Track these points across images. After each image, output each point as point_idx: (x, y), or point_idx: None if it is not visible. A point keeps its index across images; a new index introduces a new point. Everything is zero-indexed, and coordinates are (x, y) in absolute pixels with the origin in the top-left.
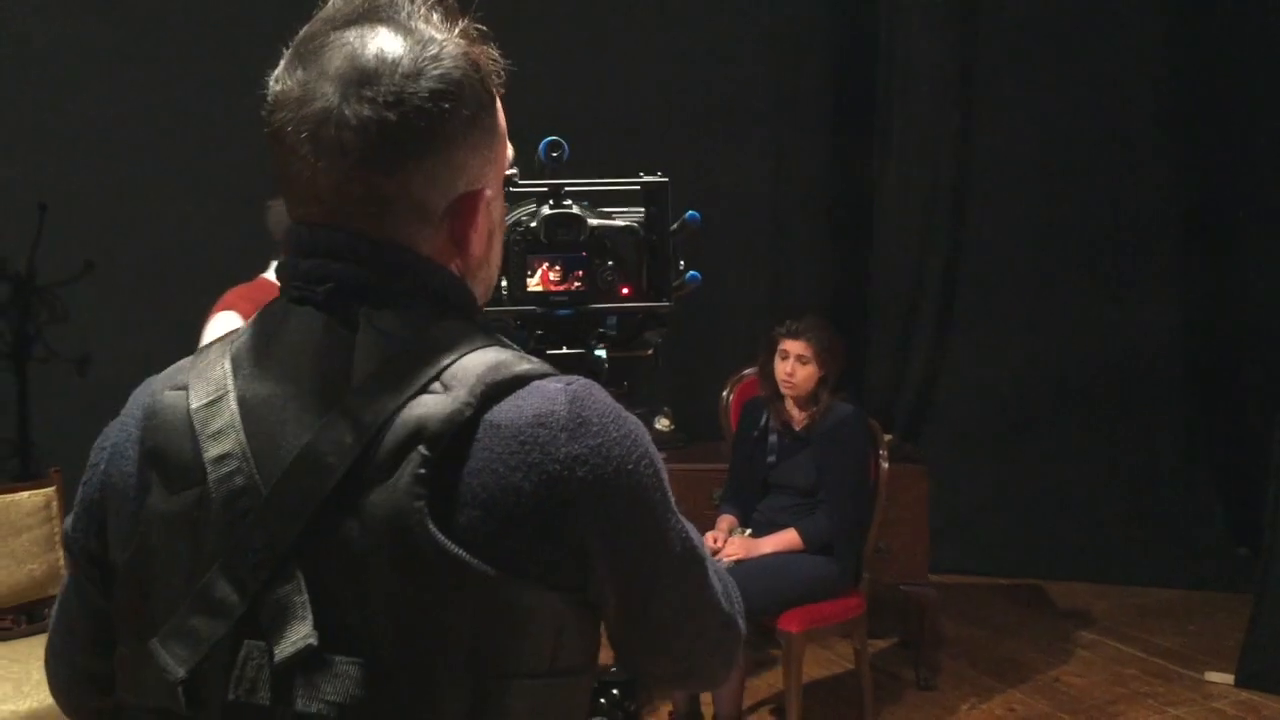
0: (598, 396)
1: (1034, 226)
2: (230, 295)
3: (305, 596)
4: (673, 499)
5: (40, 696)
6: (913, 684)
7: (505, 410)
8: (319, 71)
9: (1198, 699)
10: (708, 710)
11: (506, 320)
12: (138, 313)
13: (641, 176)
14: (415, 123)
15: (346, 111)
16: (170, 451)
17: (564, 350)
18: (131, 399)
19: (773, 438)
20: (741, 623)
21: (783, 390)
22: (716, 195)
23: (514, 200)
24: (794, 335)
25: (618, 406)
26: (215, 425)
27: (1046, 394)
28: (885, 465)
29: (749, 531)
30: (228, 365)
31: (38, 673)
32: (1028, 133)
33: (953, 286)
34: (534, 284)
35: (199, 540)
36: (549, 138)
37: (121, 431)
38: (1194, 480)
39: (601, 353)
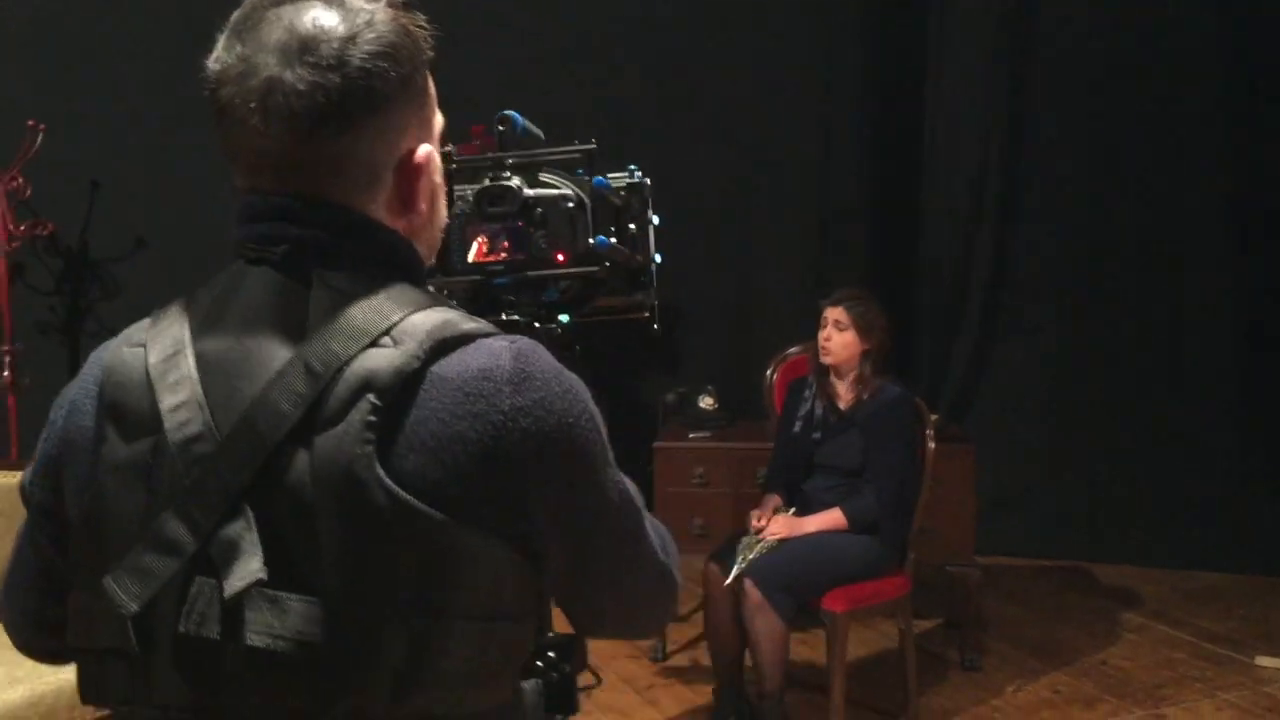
0: (541, 354)
1: (1086, 203)
2: None
3: (255, 535)
4: (611, 454)
5: (33, 684)
6: (957, 664)
7: (451, 364)
8: (258, 45)
9: (1248, 683)
10: (750, 689)
11: (450, 291)
12: (188, 289)
13: (576, 145)
14: (357, 83)
15: (290, 78)
16: (128, 403)
17: (520, 320)
18: (90, 358)
19: (819, 416)
20: (677, 574)
21: (822, 359)
22: (763, 172)
23: (461, 176)
24: (833, 303)
25: (560, 365)
26: (172, 377)
27: (1095, 374)
28: (931, 445)
29: (793, 511)
30: (185, 323)
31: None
32: (1082, 108)
33: (1002, 265)
34: (473, 255)
35: (153, 486)
36: (500, 112)
37: (79, 389)
38: (1244, 463)
39: (564, 317)
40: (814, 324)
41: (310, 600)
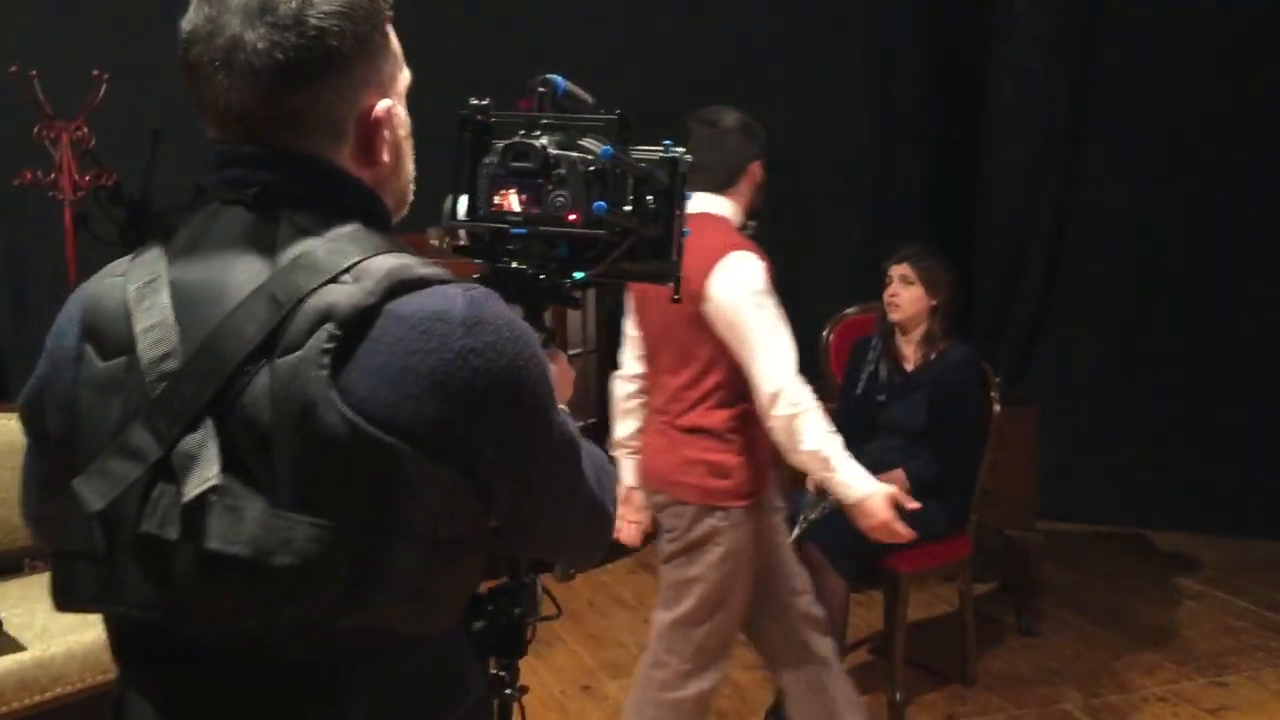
0: (493, 302)
1: (1149, 163)
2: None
3: (214, 447)
4: (556, 397)
5: (45, 643)
6: (1014, 629)
7: (407, 304)
8: (224, 6)
9: None
10: None
11: (472, 234)
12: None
13: (603, 114)
14: (314, 42)
15: (251, 37)
16: (105, 326)
17: (527, 270)
18: (77, 290)
19: (883, 378)
20: (612, 509)
21: (890, 316)
22: (817, 134)
23: (504, 133)
24: (898, 260)
25: (511, 313)
26: (147, 303)
27: (1157, 340)
28: (997, 408)
29: None
30: (163, 256)
31: (40, 618)
32: (1148, 69)
33: (1062, 226)
34: (496, 204)
35: (126, 400)
36: (543, 75)
37: (65, 316)
38: None
39: (579, 274)
40: (869, 286)
41: (264, 510)
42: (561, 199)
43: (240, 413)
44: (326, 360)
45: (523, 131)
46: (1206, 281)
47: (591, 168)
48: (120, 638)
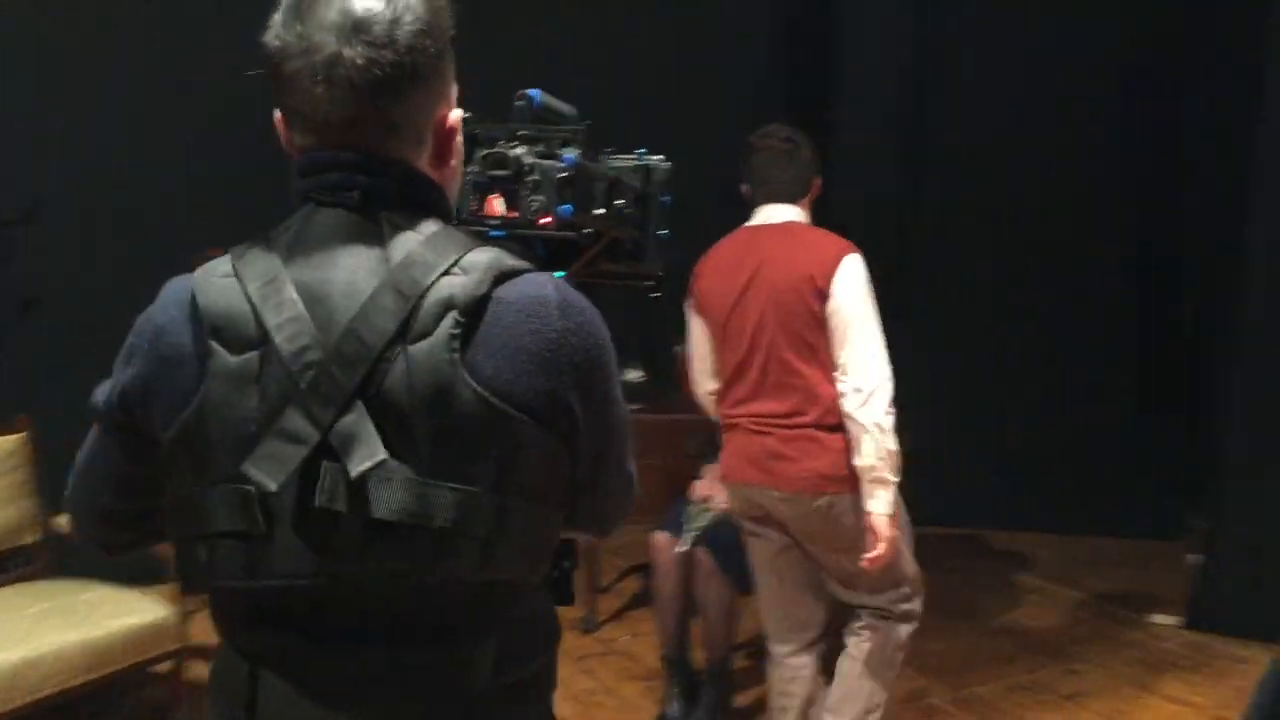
0: (572, 290)
1: (990, 176)
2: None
3: (370, 426)
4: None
5: (29, 646)
6: None
7: (509, 290)
8: (316, 25)
9: (1147, 639)
10: (697, 654)
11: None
12: (85, 255)
13: (570, 127)
14: (404, 58)
15: (349, 53)
16: (231, 323)
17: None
18: (166, 293)
19: None
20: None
21: None
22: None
23: (482, 141)
24: None
25: (584, 297)
26: (274, 300)
27: (987, 349)
28: None
29: None
30: (274, 256)
31: (27, 622)
32: (984, 91)
33: (908, 230)
34: (479, 209)
35: (264, 390)
36: (525, 90)
37: (163, 316)
38: (1128, 433)
39: (559, 274)
40: None
41: (416, 481)
42: (536, 204)
43: (383, 394)
44: (456, 344)
45: (502, 141)
46: (1039, 292)
47: (562, 174)
48: (249, 614)
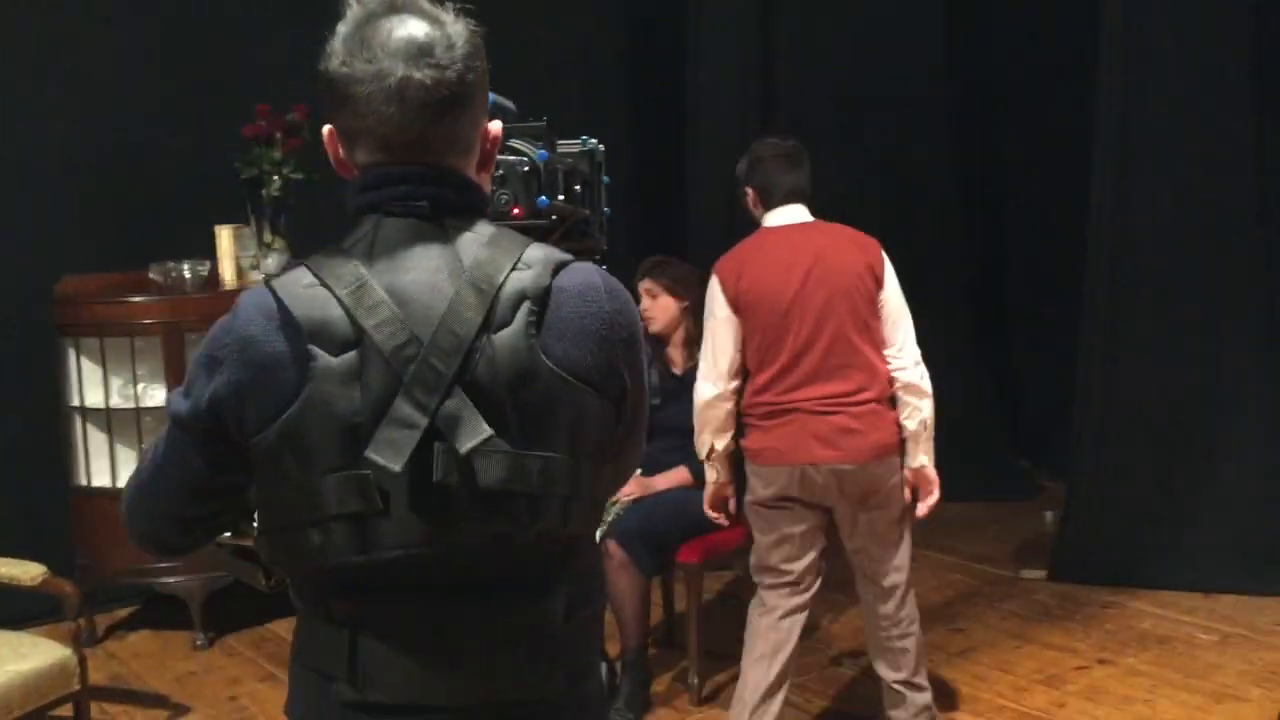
0: (609, 275)
1: (834, 161)
2: None
3: (472, 408)
4: None
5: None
6: None
7: (566, 279)
8: (381, 53)
9: (1019, 593)
10: (611, 646)
11: None
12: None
13: (531, 125)
14: (464, 78)
15: (418, 76)
16: (328, 327)
17: None
18: (245, 305)
19: (655, 382)
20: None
21: (650, 330)
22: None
23: None
24: (641, 275)
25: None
26: (368, 302)
27: None
28: None
29: (639, 471)
30: (355, 263)
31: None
32: (824, 89)
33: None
34: None
35: (365, 385)
36: None
37: (252, 325)
38: (981, 399)
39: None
40: None
41: (511, 454)
42: (505, 197)
43: (477, 379)
44: (533, 331)
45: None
46: (908, 266)
47: (526, 168)
48: (350, 587)
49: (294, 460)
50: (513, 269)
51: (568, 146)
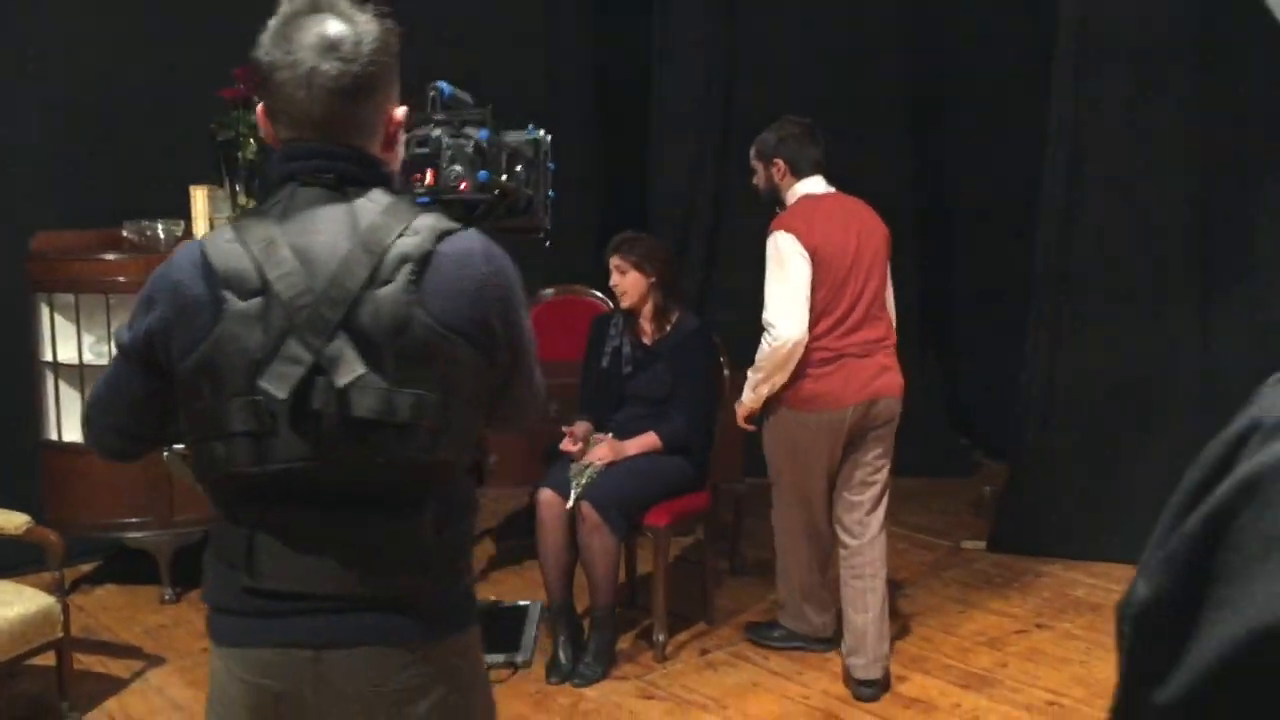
0: (492, 243)
1: None
2: None
3: (352, 350)
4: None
5: None
6: (727, 571)
7: (448, 245)
8: (296, 46)
9: (960, 562)
10: (580, 600)
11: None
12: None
13: (476, 110)
14: (367, 70)
15: (325, 67)
16: (239, 277)
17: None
18: (178, 255)
19: (627, 351)
20: (547, 391)
21: (621, 305)
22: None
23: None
24: (611, 251)
25: (501, 248)
26: (275, 258)
27: None
28: (726, 373)
29: (610, 435)
30: (269, 224)
31: None
32: (784, 76)
33: (719, 210)
34: (414, 180)
35: (270, 326)
36: (433, 83)
37: (180, 272)
38: (923, 380)
39: (471, 230)
40: (560, 269)
41: (383, 389)
42: (453, 173)
43: (359, 326)
44: (412, 288)
45: (421, 126)
46: None
47: (470, 148)
48: (250, 493)
49: (208, 385)
50: (400, 234)
51: (515, 134)
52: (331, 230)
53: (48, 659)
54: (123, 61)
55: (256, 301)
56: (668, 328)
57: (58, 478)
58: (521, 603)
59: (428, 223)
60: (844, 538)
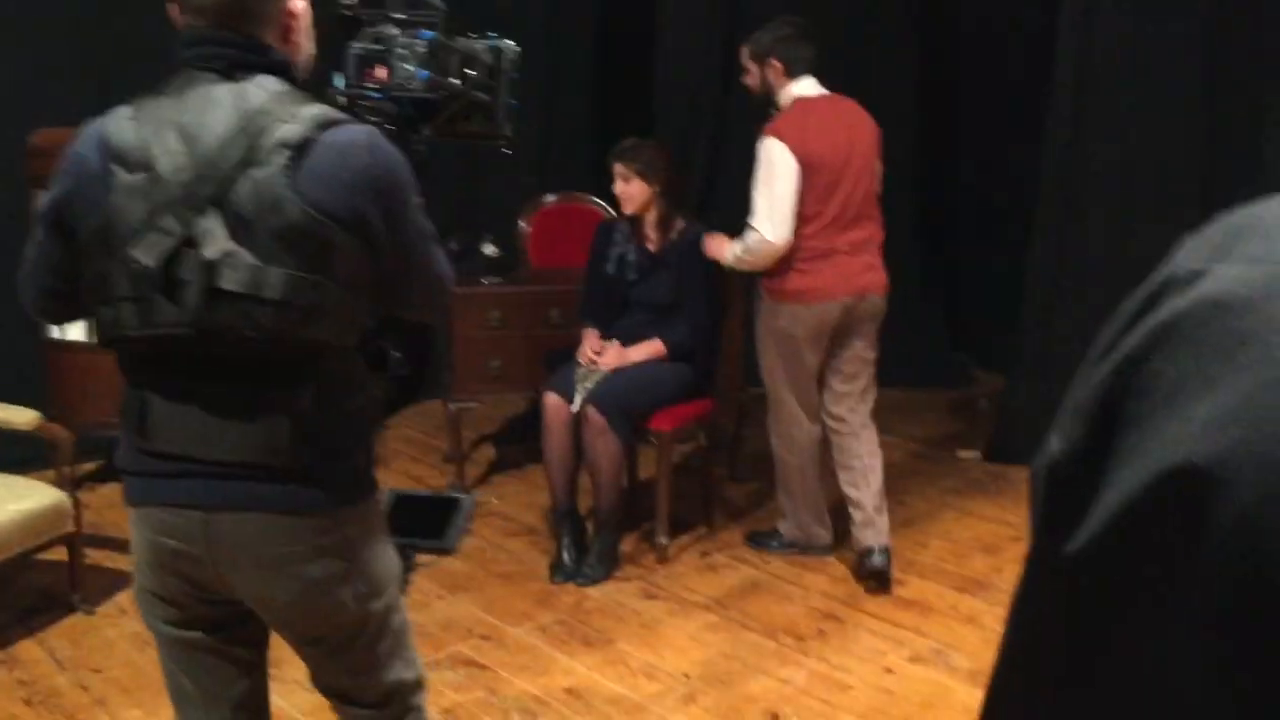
0: (381, 136)
1: None
2: None
3: (222, 226)
4: (419, 200)
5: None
6: (726, 478)
7: (332, 136)
8: None
9: (955, 471)
10: (585, 507)
11: (350, 99)
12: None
13: (432, 12)
14: None
15: None
16: (129, 151)
17: (381, 122)
18: (86, 132)
19: (632, 258)
20: (451, 281)
21: (625, 211)
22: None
23: (366, 24)
24: (614, 158)
25: (390, 142)
26: (161, 136)
27: None
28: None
29: (615, 343)
30: (163, 105)
31: None
32: None
33: (723, 116)
34: (364, 76)
35: (150, 199)
36: None
37: (84, 146)
38: (924, 293)
39: (425, 130)
40: (558, 175)
41: (254, 265)
42: (404, 71)
43: (233, 205)
44: (288, 172)
45: (379, 25)
46: None
47: (422, 49)
48: (142, 358)
49: (100, 252)
50: (281, 120)
51: (475, 39)
52: (216, 113)
53: (58, 553)
54: None
55: (141, 176)
56: (673, 235)
57: (59, 375)
58: (454, 494)
59: (312, 112)
60: (836, 427)
